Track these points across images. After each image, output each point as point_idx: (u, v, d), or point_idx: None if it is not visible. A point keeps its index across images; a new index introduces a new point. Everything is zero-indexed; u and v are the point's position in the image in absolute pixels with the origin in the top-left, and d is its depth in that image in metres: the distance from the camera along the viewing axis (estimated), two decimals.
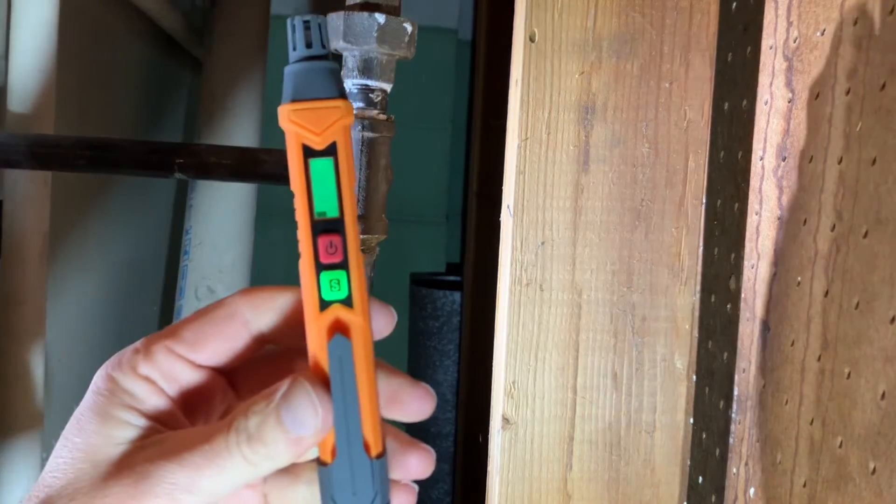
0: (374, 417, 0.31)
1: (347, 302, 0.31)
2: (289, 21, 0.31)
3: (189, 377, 0.32)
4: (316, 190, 0.31)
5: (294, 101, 0.30)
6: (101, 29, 1.25)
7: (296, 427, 0.29)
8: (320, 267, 0.31)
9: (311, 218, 0.31)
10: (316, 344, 0.31)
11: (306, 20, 0.31)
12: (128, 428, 0.30)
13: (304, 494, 0.33)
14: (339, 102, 0.31)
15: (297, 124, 0.30)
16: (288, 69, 0.31)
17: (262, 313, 0.33)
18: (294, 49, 0.31)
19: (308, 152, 0.30)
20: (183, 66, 1.77)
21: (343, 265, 0.31)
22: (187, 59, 1.76)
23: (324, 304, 0.31)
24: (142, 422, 0.31)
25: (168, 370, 0.32)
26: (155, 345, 0.31)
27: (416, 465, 0.34)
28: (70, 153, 0.55)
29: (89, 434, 0.30)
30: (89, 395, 0.31)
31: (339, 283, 0.31)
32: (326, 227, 0.31)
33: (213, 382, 0.33)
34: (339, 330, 0.31)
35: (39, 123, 0.79)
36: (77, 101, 1.14)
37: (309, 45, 0.31)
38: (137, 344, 0.32)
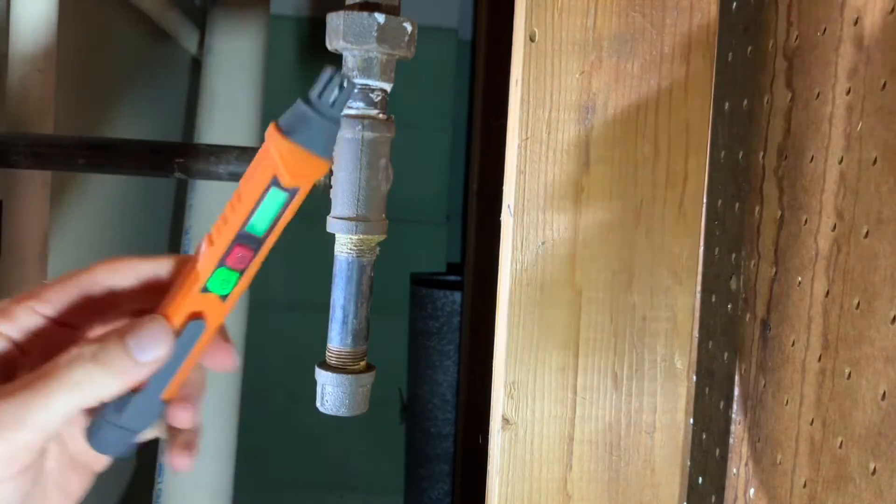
0: (182, 378, 0.37)
1: (224, 298, 0.36)
2: (329, 69, 0.34)
3: (49, 333, 0.35)
4: (259, 211, 0.35)
5: (291, 138, 0.34)
6: (102, 29, 1.25)
7: (140, 352, 0.33)
8: (223, 263, 0.35)
9: (241, 227, 0.35)
10: (182, 312, 0.35)
11: (343, 82, 0.34)
12: None
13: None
14: (323, 163, 0.35)
15: (282, 158, 0.34)
16: (302, 107, 0.34)
17: (122, 278, 0.36)
18: (318, 94, 0.34)
19: (274, 181, 0.34)
20: (183, 65, 1.77)
21: (240, 273, 0.36)
22: (187, 58, 1.76)
23: (205, 290, 0.35)
24: None
25: (28, 327, 0.34)
26: (17, 305, 0.34)
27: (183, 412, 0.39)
28: (70, 153, 0.55)
29: None
30: None
31: (227, 283, 0.36)
32: (248, 240, 0.35)
33: (73, 339, 0.35)
34: (204, 314, 0.36)
35: (39, 123, 0.79)
36: (77, 100, 1.14)
37: (332, 105, 0.34)
38: (2, 302, 0.35)
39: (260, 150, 0.35)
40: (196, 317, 0.35)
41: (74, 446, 0.37)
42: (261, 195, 0.34)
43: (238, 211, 0.35)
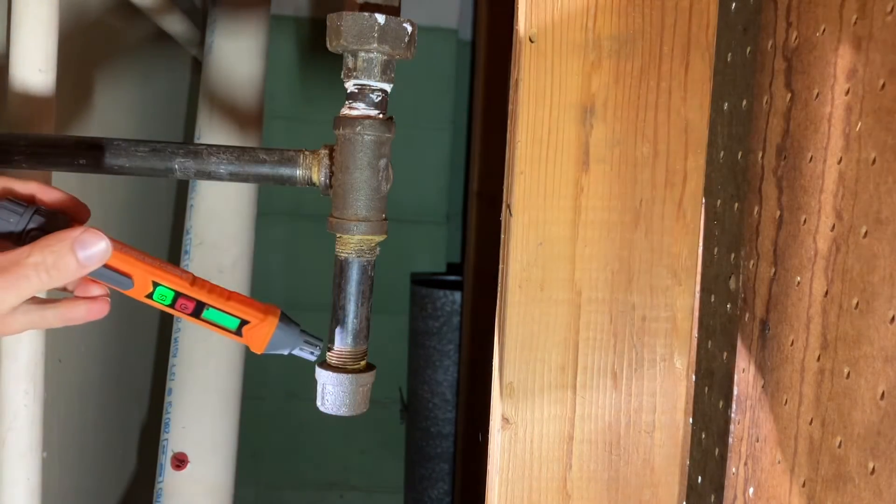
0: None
1: (148, 297, 0.50)
2: (305, 354, 0.54)
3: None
4: (218, 318, 0.51)
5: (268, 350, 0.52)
6: (102, 29, 1.25)
7: (83, 250, 0.45)
8: (176, 294, 0.50)
9: (205, 305, 0.51)
10: (138, 269, 0.50)
11: (315, 352, 0.54)
12: None
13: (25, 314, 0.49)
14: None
15: (254, 347, 0.52)
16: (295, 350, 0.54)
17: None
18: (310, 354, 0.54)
19: (238, 332, 0.52)
20: (183, 66, 1.77)
21: (172, 301, 0.50)
22: (187, 59, 1.76)
23: (155, 285, 0.50)
24: None
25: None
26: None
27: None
28: (70, 153, 0.55)
29: None
30: None
31: (163, 298, 0.50)
32: (197, 308, 0.50)
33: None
34: (134, 281, 0.50)
35: (39, 123, 0.79)
36: (77, 100, 1.14)
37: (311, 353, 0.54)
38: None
39: (258, 311, 0.51)
40: (128, 277, 0.49)
41: None
42: (227, 320, 0.51)
43: (215, 301, 0.50)
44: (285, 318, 0.52)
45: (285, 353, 0.53)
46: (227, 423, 1.37)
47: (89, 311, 0.50)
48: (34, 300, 0.49)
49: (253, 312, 0.51)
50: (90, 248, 0.45)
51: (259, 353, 0.52)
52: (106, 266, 0.48)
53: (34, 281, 0.43)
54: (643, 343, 0.60)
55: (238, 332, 0.51)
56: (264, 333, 0.51)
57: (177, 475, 1.29)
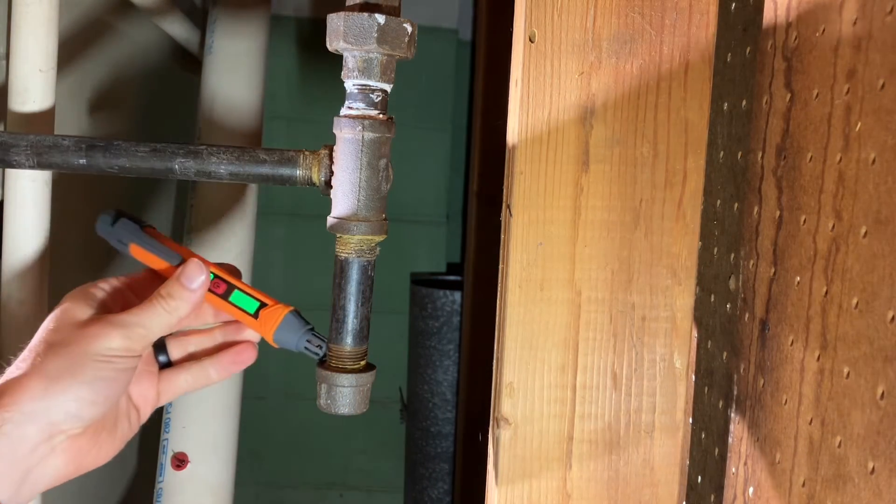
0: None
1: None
2: (312, 348, 0.56)
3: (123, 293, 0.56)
4: (241, 301, 0.56)
5: (276, 341, 0.56)
6: (102, 29, 1.25)
7: (189, 282, 0.54)
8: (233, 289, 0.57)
9: (230, 289, 0.56)
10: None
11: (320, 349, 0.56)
12: (91, 308, 0.52)
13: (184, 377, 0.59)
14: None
15: (264, 334, 0.56)
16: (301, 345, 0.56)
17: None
18: (314, 354, 0.56)
19: (255, 315, 0.56)
20: (183, 66, 1.77)
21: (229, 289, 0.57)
22: (187, 59, 1.76)
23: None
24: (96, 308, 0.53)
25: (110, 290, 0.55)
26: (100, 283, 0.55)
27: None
28: (70, 153, 0.55)
29: (70, 309, 0.52)
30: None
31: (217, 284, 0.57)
32: (226, 289, 0.56)
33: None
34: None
35: (39, 123, 0.79)
36: (77, 101, 1.14)
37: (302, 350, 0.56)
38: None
39: (275, 308, 0.55)
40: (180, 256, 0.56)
41: (137, 390, 0.55)
42: (249, 303, 0.56)
43: (242, 285, 0.56)
44: (298, 314, 0.56)
45: (293, 347, 0.55)
46: (227, 423, 1.37)
47: (242, 359, 0.59)
48: (195, 363, 0.58)
49: (270, 298, 0.56)
50: (195, 279, 0.54)
51: (269, 340, 0.56)
52: (168, 247, 0.56)
53: (160, 310, 0.52)
54: (643, 343, 0.60)
55: (255, 315, 0.55)
56: (277, 317, 0.55)
57: (177, 475, 1.29)
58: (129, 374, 0.51)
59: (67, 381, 0.48)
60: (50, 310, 0.52)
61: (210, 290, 0.55)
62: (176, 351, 0.59)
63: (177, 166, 0.55)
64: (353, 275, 0.56)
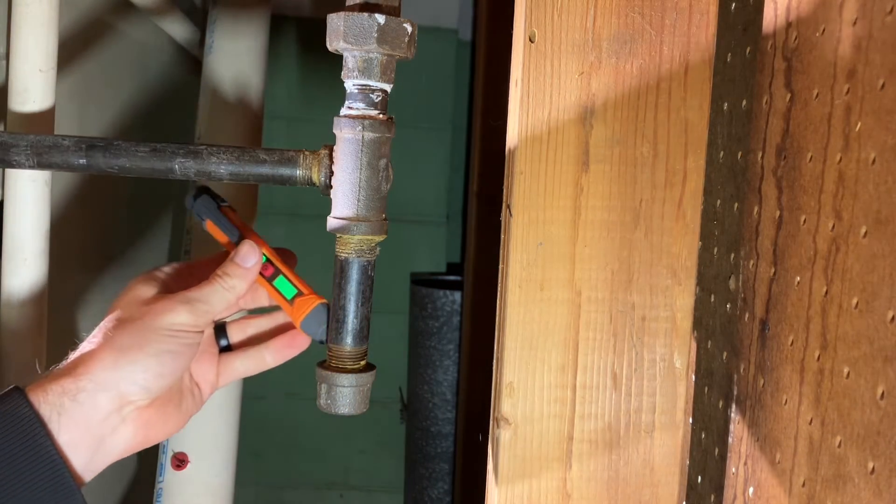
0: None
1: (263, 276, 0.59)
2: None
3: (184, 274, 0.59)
4: (282, 286, 0.59)
5: (305, 329, 0.58)
6: (102, 29, 1.25)
7: (243, 262, 0.57)
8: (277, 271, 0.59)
9: (275, 274, 0.59)
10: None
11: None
12: (155, 288, 0.56)
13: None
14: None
15: (296, 321, 0.58)
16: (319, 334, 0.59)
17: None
18: (320, 340, 0.58)
19: (291, 302, 0.59)
20: (183, 66, 1.77)
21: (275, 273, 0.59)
22: (187, 59, 1.76)
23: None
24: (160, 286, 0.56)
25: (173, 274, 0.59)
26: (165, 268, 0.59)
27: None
28: (70, 153, 0.55)
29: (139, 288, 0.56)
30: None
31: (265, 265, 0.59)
32: (273, 274, 0.59)
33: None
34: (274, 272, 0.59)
35: (39, 123, 0.79)
36: (77, 101, 1.14)
37: (321, 341, 0.58)
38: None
39: (309, 297, 0.58)
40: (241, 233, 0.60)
41: (198, 370, 0.59)
42: (288, 289, 0.59)
43: (286, 270, 0.59)
44: (327, 307, 0.58)
45: (316, 337, 0.58)
46: (227, 423, 1.37)
47: (296, 343, 0.61)
48: (252, 348, 0.61)
49: (308, 287, 0.59)
50: (249, 259, 0.57)
51: (297, 326, 0.58)
52: (235, 226, 0.60)
53: (219, 287, 0.55)
54: (643, 343, 0.60)
55: (291, 302, 0.58)
56: (308, 306, 0.57)
57: (177, 475, 1.29)
58: (192, 350, 0.54)
59: (136, 353, 0.50)
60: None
61: (259, 272, 0.58)
62: (236, 336, 0.62)
63: (177, 166, 0.55)
64: (353, 275, 0.56)
